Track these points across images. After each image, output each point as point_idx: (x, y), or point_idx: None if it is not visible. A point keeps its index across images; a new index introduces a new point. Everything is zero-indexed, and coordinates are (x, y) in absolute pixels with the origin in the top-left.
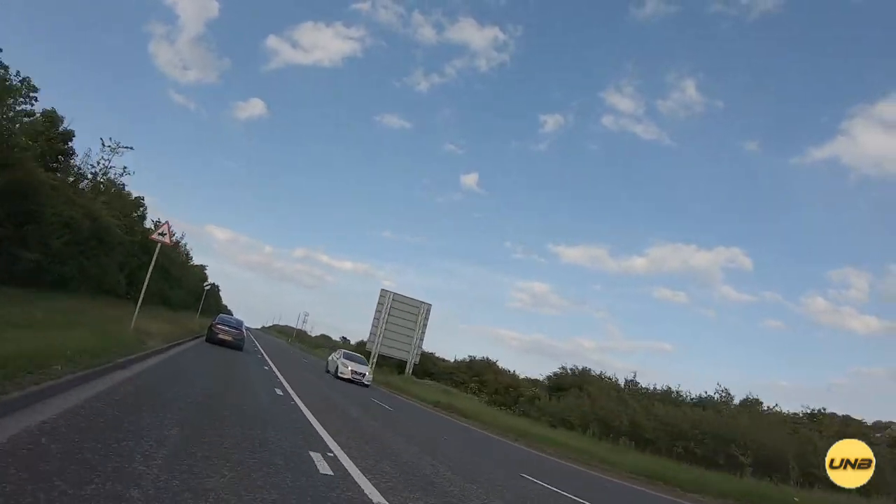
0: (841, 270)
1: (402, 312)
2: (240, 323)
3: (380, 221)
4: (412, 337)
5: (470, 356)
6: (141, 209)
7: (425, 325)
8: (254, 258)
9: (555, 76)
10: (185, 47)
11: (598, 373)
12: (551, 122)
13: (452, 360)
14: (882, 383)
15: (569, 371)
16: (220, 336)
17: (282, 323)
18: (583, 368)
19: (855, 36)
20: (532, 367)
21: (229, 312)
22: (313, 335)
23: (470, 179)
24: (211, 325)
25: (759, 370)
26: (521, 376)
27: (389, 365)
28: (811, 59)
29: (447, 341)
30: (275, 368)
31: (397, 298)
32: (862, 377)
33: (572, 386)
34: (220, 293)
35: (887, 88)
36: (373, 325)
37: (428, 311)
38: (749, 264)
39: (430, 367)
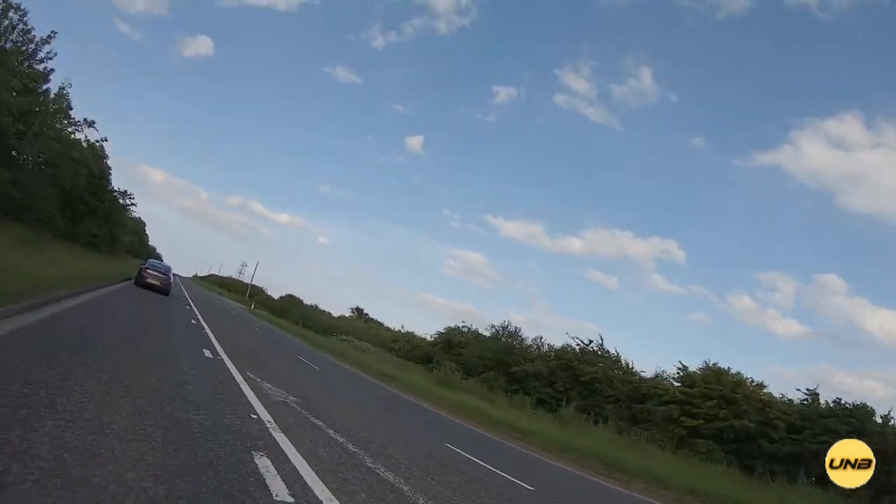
0: (769, 274)
1: None
2: (168, 269)
3: (319, 176)
4: None
5: None
6: None
7: None
8: (188, 204)
9: (513, 48)
10: None
11: None
12: (504, 93)
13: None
14: (796, 383)
15: None
16: (149, 280)
17: (221, 274)
18: None
19: (815, 52)
20: None
21: (158, 257)
22: (274, 296)
23: (415, 142)
24: (140, 269)
25: (682, 361)
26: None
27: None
28: (769, 67)
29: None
30: None
31: None
32: (777, 376)
33: None
34: (147, 230)
35: (838, 107)
36: None
37: None
38: (682, 257)
39: None
